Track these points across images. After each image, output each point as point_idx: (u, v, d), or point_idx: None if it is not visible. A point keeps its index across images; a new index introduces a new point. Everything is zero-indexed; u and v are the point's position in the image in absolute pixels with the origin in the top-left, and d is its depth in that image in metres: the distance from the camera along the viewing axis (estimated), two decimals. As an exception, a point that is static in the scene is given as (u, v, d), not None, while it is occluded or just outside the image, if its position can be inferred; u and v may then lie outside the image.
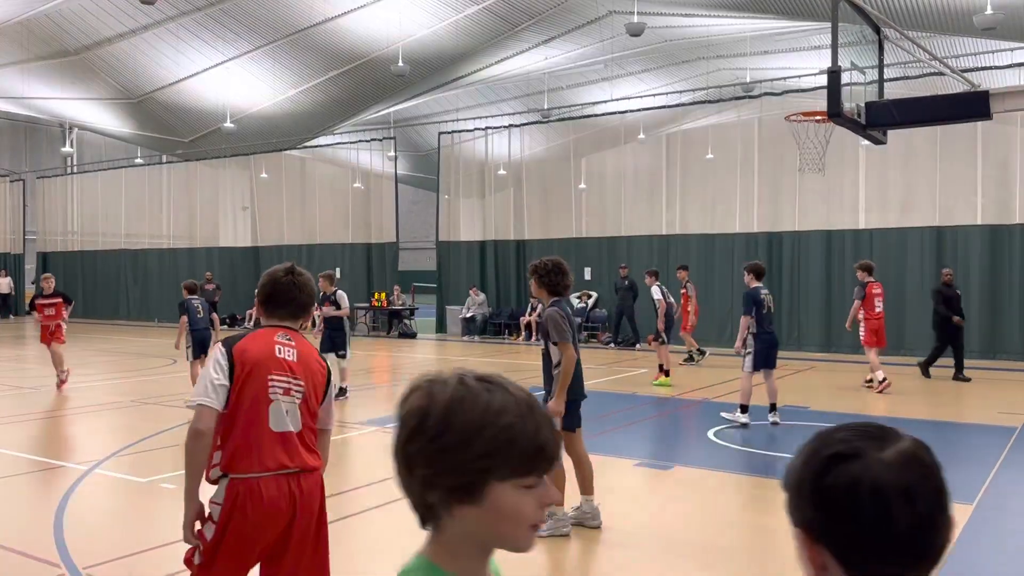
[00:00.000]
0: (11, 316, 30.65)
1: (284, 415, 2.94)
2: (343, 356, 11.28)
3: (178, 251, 28.05)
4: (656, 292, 13.17)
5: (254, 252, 26.54)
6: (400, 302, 23.16)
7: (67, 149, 33.88)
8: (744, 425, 9.12)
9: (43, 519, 5.76)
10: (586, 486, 5.56)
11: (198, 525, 2.91)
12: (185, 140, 29.50)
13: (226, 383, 2.87)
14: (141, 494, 6.62)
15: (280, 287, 3.14)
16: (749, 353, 9.10)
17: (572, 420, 5.44)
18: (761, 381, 9.31)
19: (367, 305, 23.49)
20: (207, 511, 2.89)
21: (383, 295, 23.13)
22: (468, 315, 21.65)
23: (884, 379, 11.64)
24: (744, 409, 9.19)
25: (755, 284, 9.27)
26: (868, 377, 12.35)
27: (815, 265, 17.62)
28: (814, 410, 10.33)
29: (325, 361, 3.25)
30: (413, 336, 22.11)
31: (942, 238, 16.47)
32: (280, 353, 3.01)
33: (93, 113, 30.11)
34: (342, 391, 11.02)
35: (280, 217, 26.26)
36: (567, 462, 5.42)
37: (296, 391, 2.99)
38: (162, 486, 6.74)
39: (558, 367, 5.35)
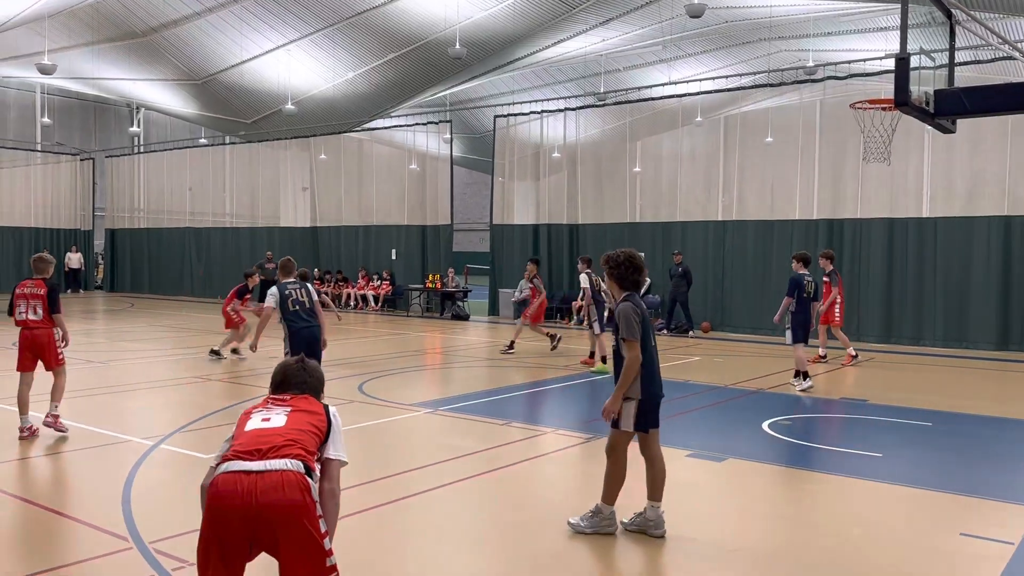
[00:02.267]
0: (81, 291, 31.79)
1: (260, 421, 3.38)
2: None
3: (240, 230, 28.70)
4: (584, 280, 13.36)
5: (313, 232, 27.01)
6: (453, 284, 23.34)
7: (134, 129, 34.89)
8: (806, 390, 10.79)
9: (111, 493, 6.02)
10: (654, 490, 5.29)
11: None
12: (247, 121, 30.06)
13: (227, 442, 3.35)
14: (205, 469, 6.85)
15: (288, 372, 3.58)
16: (788, 328, 10.94)
17: (645, 420, 5.18)
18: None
19: (421, 286, 23.75)
20: None
21: (437, 277, 23.35)
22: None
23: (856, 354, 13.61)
24: (805, 376, 10.95)
25: (801, 271, 11.10)
26: (822, 353, 13.77)
27: (876, 254, 17.21)
28: (873, 403, 10.15)
29: (324, 407, 3.51)
30: (466, 318, 22.29)
31: (1011, 228, 15.92)
32: (268, 406, 3.53)
33: (159, 94, 30.87)
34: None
35: (338, 198, 26.65)
36: (638, 463, 5.36)
37: (278, 410, 3.47)
38: (224, 463, 6.97)
39: None
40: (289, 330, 8.30)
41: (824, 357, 13.84)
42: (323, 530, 2.99)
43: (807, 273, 11.10)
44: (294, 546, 2.86)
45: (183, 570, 4.57)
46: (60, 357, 8.01)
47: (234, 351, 13.64)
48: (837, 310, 13.81)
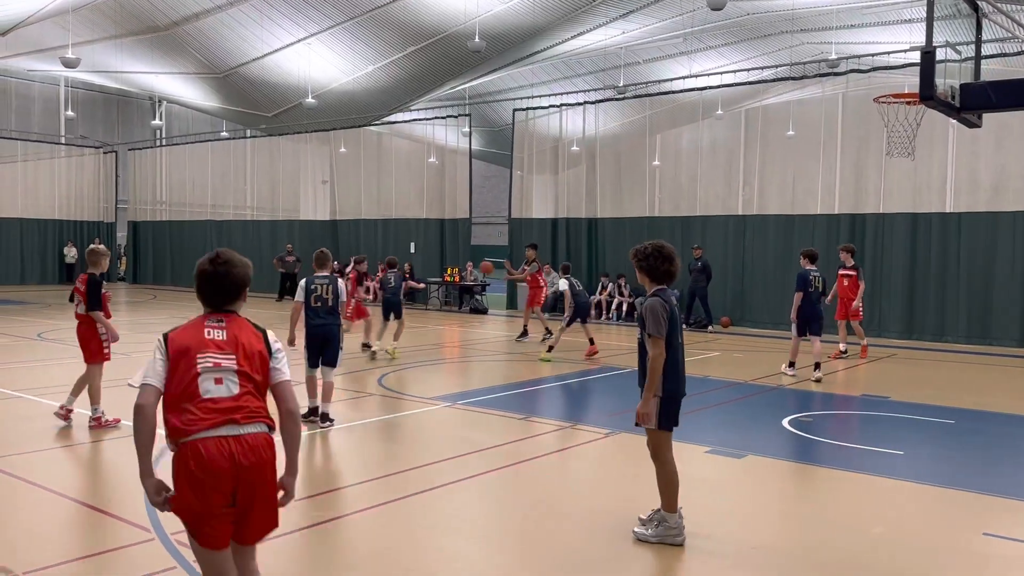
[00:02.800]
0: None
1: (214, 384, 3.19)
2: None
3: (261, 223, 28.88)
4: (563, 284, 13.92)
5: (332, 225, 27.13)
6: (472, 278, 23.37)
7: (156, 122, 35.16)
8: (793, 376, 11.54)
9: (134, 484, 6.08)
10: (667, 500, 5.08)
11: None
12: (268, 115, 30.23)
13: (163, 366, 3.21)
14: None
15: (204, 278, 3.43)
16: (793, 322, 11.61)
17: (668, 419, 5.04)
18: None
19: (439, 280, 23.80)
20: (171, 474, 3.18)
21: (455, 270, 23.38)
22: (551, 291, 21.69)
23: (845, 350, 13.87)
24: (792, 365, 11.70)
25: (809, 267, 11.58)
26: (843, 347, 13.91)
27: (899, 249, 17.04)
28: (895, 400, 10.06)
29: (261, 330, 3.42)
30: (484, 312, 22.32)
31: (1037, 223, 15.71)
32: (208, 335, 3.30)
33: (181, 87, 31.11)
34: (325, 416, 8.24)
35: (358, 191, 26.74)
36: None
37: (227, 362, 3.24)
38: (244, 455, 7.02)
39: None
40: (305, 326, 8.23)
41: (845, 352, 13.76)
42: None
43: (814, 268, 11.59)
44: (267, 500, 3.23)
45: (205, 562, 4.61)
46: (104, 351, 8.09)
47: (365, 345, 13.56)
48: (860, 304, 13.80)
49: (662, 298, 4.97)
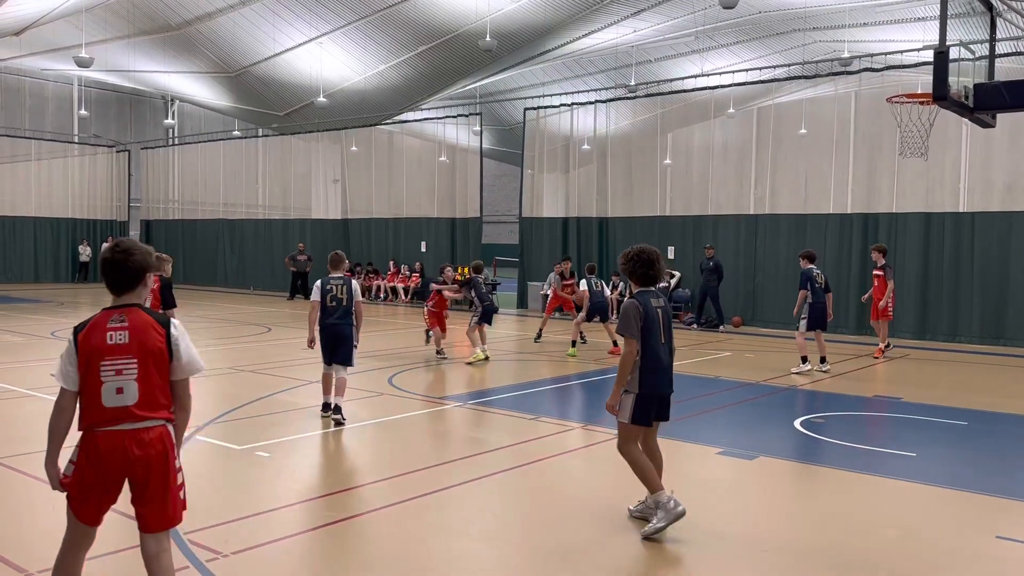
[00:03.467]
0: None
1: (115, 394, 3.44)
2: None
3: (273, 221, 29.00)
4: (582, 284, 14.45)
5: (344, 224, 27.21)
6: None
7: (169, 121, 35.33)
8: (807, 372, 11.75)
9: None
10: (649, 484, 5.30)
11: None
12: (280, 114, 30.33)
13: (75, 373, 3.48)
14: (238, 461, 6.96)
15: (105, 266, 3.59)
16: (804, 318, 11.79)
17: (642, 416, 5.23)
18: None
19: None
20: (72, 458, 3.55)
21: (466, 269, 23.39)
22: (548, 291, 21.69)
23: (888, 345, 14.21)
24: (804, 360, 11.87)
25: (809, 266, 11.89)
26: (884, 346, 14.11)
27: (912, 249, 16.95)
28: (907, 401, 10.01)
29: (163, 324, 3.56)
30: (495, 311, 22.29)
31: (1052, 223, 15.59)
32: (111, 340, 3.47)
33: (193, 86, 31.25)
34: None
35: (369, 190, 26.81)
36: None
37: (128, 370, 3.46)
38: (257, 454, 7.06)
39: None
40: (320, 324, 8.36)
41: (888, 347, 14.18)
42: (177, 466, 3.59)
43: (815, 267, 11.95)
44: (160, 491, 3.53)
45: (217, 561, 4.64)
46: None
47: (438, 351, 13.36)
48: (889, 304, 13.95)
49: (639, 300, 5.23)
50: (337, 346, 8.27)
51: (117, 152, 34.12)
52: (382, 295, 25.07)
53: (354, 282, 8.57)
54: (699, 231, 19.87)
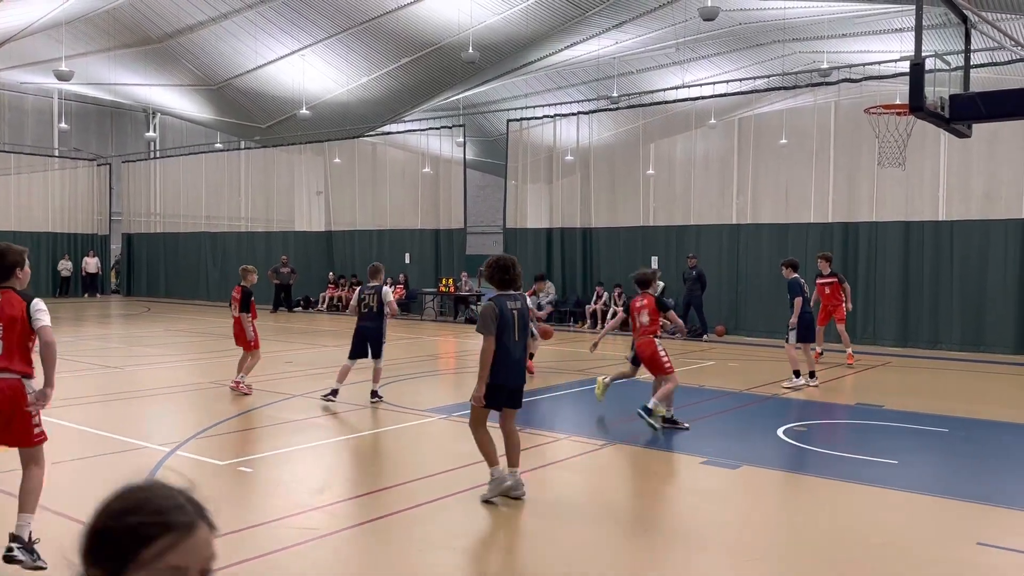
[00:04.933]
0: (98, 295, 32.06)
1: None
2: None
3: (255, 234, 28.87)
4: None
5: (327, 236, 27.14)
6: (467, 287, 23.38)
7: (150, 134, 35.12)
8: (802, 387, 11.32)
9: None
10: (512, 459, 6.19)
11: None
12: (262, 126, 30.23)
13: None
14: (220, 477, 6.91)
15: None
16: (794, 329, 11.45)
17: (492, 400, 6.05)
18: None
19: (434, 290, 23.81)
20: None
21: (450, 281, 23.39)
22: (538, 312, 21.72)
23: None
24: (797, 374, 11.49)
25: (794, 275, 11.69)
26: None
27: (892, 257, 17.11)
28: (889, 409, 10.09)
29: (27, 299, 4.82)
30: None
31: (1029, 231, 15.77)
32: None
33: (175, 99, 31.09)
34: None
35: (352, 202, 26.77)
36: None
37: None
38: (240, 469, 7.01)
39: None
40: (355, 325, 10.02)
41: (821, 354, 14.14)
42: (34, 414, 4.86)
43: (799, 276, 11.79)
44: (17, 422, 4.81)
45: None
46: (251, 343, 10.61)
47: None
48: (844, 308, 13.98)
49: (495, 303, 6.00)
50: (370, 344, 9.91)
51: (98, 165, 33.87)
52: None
53: (385, 288, 10.22)
54: (682, 241, 19.97)
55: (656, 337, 8.94)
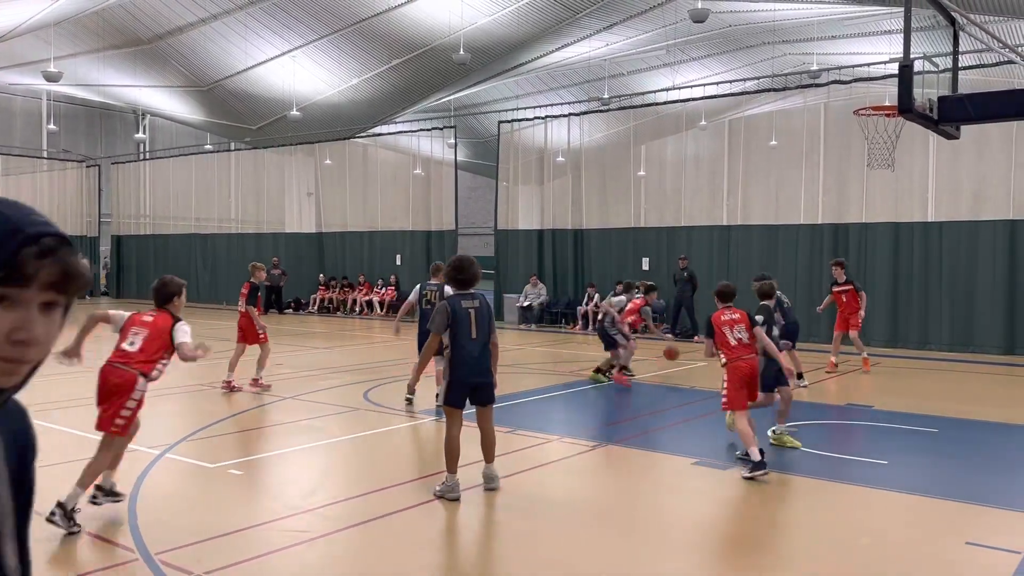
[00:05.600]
0: (87, 297, 31.87)
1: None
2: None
3: (245, 236, 28.76)
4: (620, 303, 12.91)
5: (318, 238, 27.07)
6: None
7: (140, 135, 34.98)
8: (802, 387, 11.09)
9: (118, 503, 6.04)
10: (486, 455, 6.37)
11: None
12: (253, 127, 30.15)
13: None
14: (210, 480, 6.88)
15: None
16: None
17: (454, 398, 6.29)
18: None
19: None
20: None
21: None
22: (525, 303, 21.73)
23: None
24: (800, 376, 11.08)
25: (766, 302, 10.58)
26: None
27: (882, 258, 17.19)
28: (878, 409, 10.13)
29: (174, 320, 5.77)
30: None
31: (1016, 231, 15.88)
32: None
33: (165, 100, 30.98)
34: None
35: (343, 204, 26.71)
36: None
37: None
38: (230, 472, 6.99)
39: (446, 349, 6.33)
40: (420, 328, 9.99)
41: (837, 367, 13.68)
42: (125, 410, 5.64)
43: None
44: (110, 408, 5.70)
45: (189, 582, 4.58)
46: (260, 335, 11.18)
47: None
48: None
49: (449, 302, 6.32)
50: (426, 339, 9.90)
51: (87, 167, 33.70)
52: (357, 309, 24.96)
53: (446, 287, 10.34)
54: (673, 242, 20.01)
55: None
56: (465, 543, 5.46)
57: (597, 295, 20.71)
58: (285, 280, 25.63)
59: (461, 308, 6.25)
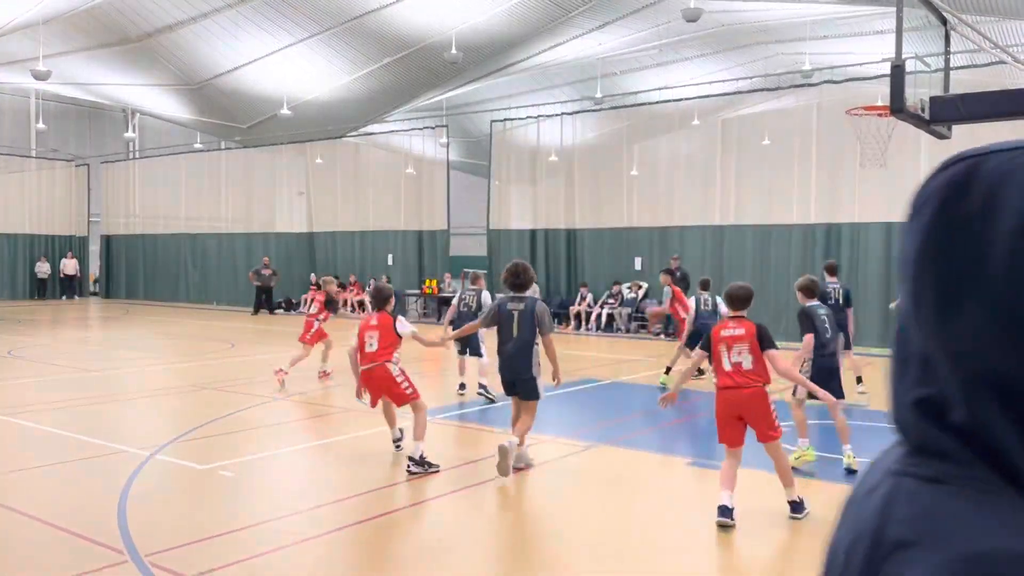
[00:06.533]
0: (76, 297, 31.70)
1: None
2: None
3: (236, 235, 28.64)
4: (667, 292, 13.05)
5: (309, 238, 26.97)
6: (450, 289, 23.30)
7: (129, 134, 34.78)
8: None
9: (107, 505, 5.98)
10: (521, 435, 6.86)
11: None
12: (243, 126, 30.01)
13: None
14: (200, 481, 6.82)
15: None
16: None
17: (505, 389, 7.09)
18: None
19: (418, 292, 23.72)
20: None
21: (434, 282, 23.31)
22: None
23: None
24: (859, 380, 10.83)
25: (830, 279, 10.96)
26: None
27: (874, 258, 17.22)
28: (872, 409, 10.13)
29: (392, 317, 7.11)
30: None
31: (1008, 231, 15.93)
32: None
33: (154, 99, 30.80)
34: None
35: (334, 203, 26.62)
36: None
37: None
38: (220, 473, 6.93)
39: None
40: (456, 323, 10.63)
41: None
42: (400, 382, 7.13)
43: (837, 281, 11.08)
44: (393, 391, 7.27)
45: (179, 586, 4.53)
46: (314, 337, 11.81)
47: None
48: None
49: (497, 303, 7.17)
50: (470, 343, 10.44)
51: (76, 166, 33.49)
52: (349, 308, 24.87)
53: (484, 293, 10.89)
54: (665, 241, 20.01)
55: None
56: (458, 544, 5.42)
57: (590, 295, 20.71)
58: (276, 280, 25.53)
59: (506, 310, 6.93)
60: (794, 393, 7.40)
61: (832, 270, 11.03)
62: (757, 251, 18.62)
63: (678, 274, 18.51)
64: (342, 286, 25.45)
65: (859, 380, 10.85)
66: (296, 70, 25.36)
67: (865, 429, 9.18)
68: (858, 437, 8.88)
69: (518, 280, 6.94)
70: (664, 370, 11.93)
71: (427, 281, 23.53)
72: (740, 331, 5.78)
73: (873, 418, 9.59)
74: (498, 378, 7.18)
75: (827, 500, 6.47)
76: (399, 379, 7.20)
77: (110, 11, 23.24)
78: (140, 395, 11.02)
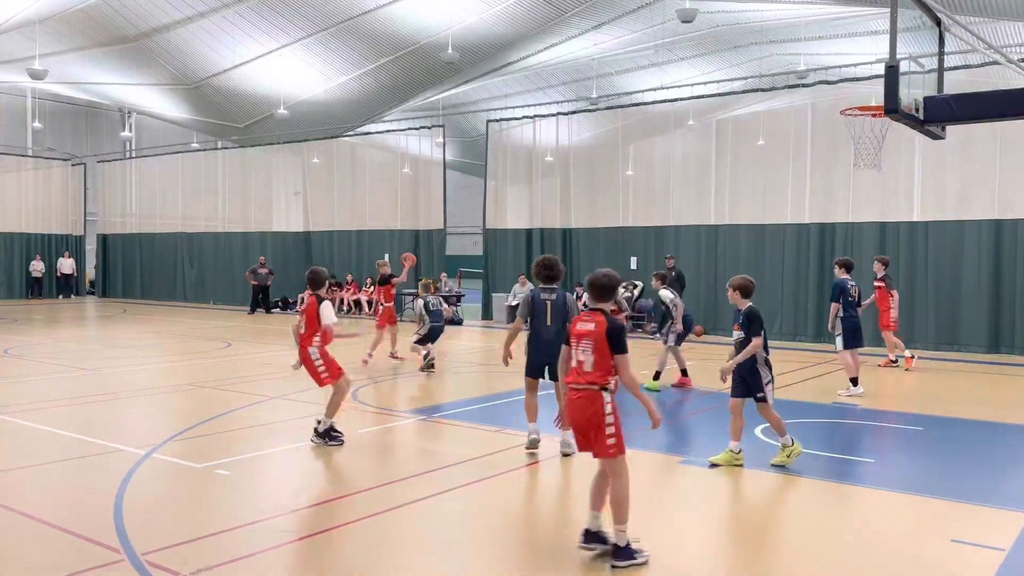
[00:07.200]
0: (73, 296, 31.68)
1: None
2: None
3: (232, 235, 28.63)
4: (668, 294, 12.27)
5: (305, 237, 26.98)
6: (447, 288, 23.34)
7: (126, 134, 34.79)
8: (859, 395, 10.69)
9: (103, 503, 6.00)
10: (563, 422, 6.59)
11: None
12: (240, 126, 30.03)
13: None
14: (197, 480, 6.84)
15: None
16: (839, 335, 10.90)
17: (530, 372, 7.70)
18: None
19: (414, 291, 23.69)
20: None
21: (431, 281, 23.29)
22: (514, 303, 21.72)
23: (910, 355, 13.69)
24: (854, 382, 10.81)
25: (844, 276, 10.99)
26: (893, 357, 13.85)
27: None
28: (864, 407, 10.18)
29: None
30: (459, 323, 22.28)
31: (1001, 231, 16.01)
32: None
33: (151, 98, 30.82)
34: None
35: (331, 203, 26.63)
36: None
37: None
38: (217, 472, 6.95)
39: None
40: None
41: (895, 361, 13.86)
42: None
43: (850, 278, 10.99)
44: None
45: (175, 583, 4.56)
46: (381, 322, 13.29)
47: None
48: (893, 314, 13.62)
49: (531, 293, 7.64)
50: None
51: (73, 165, 33.46)
52: (346, 308, 24.89)
53: (565, 293, 11.20)
54: (660, 241, 20.07)
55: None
56: (450, 543, 5.45)
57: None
58: (272, 279, 25.54)
59: (540, 300, 7.53)
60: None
61: (848, 267, 11.12)
62: (751, 251, 18.68)
63: (673, 274, 18.56)
64: (338, 285, 25.48)
65: (854, 382, 10.83)
66: (292, 70, 25.39)
67: (858, 428, 9.23)
68: (854, 436, 8.93)
69: (550, 272, 7.49)
70: (653, 375, 11.74)
71: (423, 280, 23.50)
72: (590, 326, 5.01)
73: (864, 416, 9.64)
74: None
75: (826, 499, 6.52)
76: (317, 363, 7.60)
77: (107, 10, 23.25)
78: (136, 394, 11.03)
